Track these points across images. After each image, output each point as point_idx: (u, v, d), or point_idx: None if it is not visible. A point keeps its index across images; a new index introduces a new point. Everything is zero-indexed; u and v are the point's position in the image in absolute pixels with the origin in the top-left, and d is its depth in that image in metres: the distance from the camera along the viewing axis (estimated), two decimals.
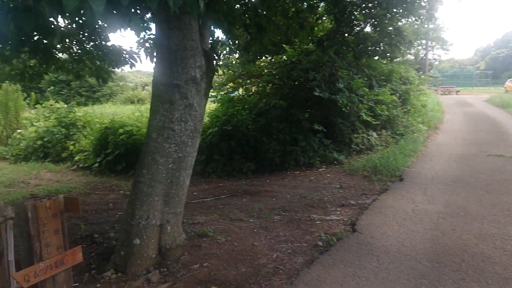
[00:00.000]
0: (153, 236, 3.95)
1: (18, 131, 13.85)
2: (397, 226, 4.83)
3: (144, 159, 3.97)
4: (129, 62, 8.26)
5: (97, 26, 7.51)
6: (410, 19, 10.58)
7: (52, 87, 39.92)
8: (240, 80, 12.03)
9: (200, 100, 4.02)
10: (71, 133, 12.51)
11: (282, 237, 4.70)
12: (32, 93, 17.05)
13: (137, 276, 3.77)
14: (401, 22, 10.53)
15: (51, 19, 2.48)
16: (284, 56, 10.76)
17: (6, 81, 13.84)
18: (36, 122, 13.75)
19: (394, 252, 4.08)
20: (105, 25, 7.29)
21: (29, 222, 2.53)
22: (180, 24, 3.78)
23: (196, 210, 6.19)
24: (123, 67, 8.91)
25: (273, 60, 11.62)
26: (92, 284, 3.74)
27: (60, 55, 8.42)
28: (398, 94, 12.48)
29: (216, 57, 7.95)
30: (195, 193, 7.76)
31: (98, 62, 8.45)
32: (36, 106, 15.07)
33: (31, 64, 8.46)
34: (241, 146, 9.32)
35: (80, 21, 7.52)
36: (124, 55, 8.20)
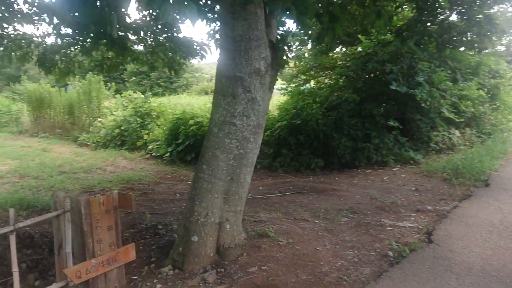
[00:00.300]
0: (212, 234, 3.83)
1: (99, 119, 14.68)
2: (482, 240, 4.28)
3: (205, 154, 3.84)
4: (200, 54, 8.28)
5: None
6: (504, 6, 9.52)
7: (133, 78, 42.12)
8: (312, 72, 11.64)
9: (263, 94, 3.80)
10: (146, 122, 12.97)
11: (348, 242, 4.37)
12: (113, 83, 18.02)
13: (194, 275, 3.67)
14: (493, 9, 9.48)
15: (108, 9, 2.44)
16: (359, 47, 10.20)
17: (89, 72, 14.73)
18: (115, 111, 14.47)
19: (477, 270, 3.58)
20: (176, 16, 7.36)
21: (82, 217, 2.49)
22: (245, 13, 3.56)
23: (260, 206, 6.02)
24: (198, 59, 8.97)
25: (347, 51, 11.09)
26: (150, 279, 3.70)
27: (135, 47, 8.68)
28: (486, 89, 11.31)
29: (286, 48, 7.68)
30: (260, 187, 7.62)
31: (170, 54, 8.58)
32: (116, 96, 15.87)
33: (109, 56, 8.80)
34: (310, 141, 9.00)
35: (154, 14, 7.64)
36: (195, 47, 8.23)
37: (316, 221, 5.19)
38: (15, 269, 2.58)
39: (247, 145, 3.80)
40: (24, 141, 15.62)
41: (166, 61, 8.95)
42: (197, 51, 8.29)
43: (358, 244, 4.29)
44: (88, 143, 14.07)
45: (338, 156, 8.68)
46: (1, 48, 7.28)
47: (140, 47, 8.86)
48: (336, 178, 7.96)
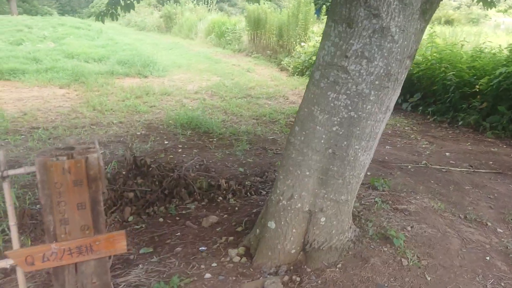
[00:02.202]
0: (296, 225, 2.67)
1: (302, 44, 13.99)
2: None
3: (300, 110, 2.58)
4: None
5: None
6: None
7: None
8: None
9: (405, 23, 2.18)
10: None
11: None
12: (324, 6, 16.84)
13: (259, 273, 2.67)
14: None
15: None
16: None
17: None
18: (318, 36, 13.48)
19: None
20: None
21: (39, 185, 1.75)
22: None
23: (425, 184, 4.37)
24: None
25: None
26: (212, 258, 2.89)
27: None
28: None
29: None
30: (447, 153, 5.69)
31: None
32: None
33: None
34: None
35: None
36: None
37: (499, 230, 3.35)
38: (12, 222, 2.05)
39: (363, 106, 2.35)
40: (237, 59, 16.45)
41: None
42: None
43: None
44: (288, 68, 13.71)
45: None
46: None
47: None
48: None
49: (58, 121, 7.04)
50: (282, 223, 2.67)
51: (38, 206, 4.08)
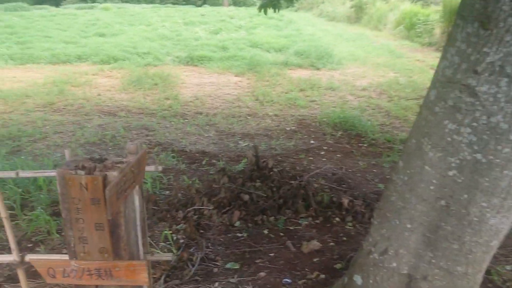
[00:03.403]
0: (389, 286, 2.01)
1: None
2: None
3: (407, 141, 1.89)
4: None
5: None
6: None
7: None
8: None
9: None
10: None
11: None
12: None
13: None
14: None
15: None
16: None
17: None
18: None
19: None
20: None
21: (59, 197, 1.62)
22: None
23: None
24: None
25: None
26: None
27: None
28: None
29: None
30: None
31: None
32: None
33: None
34: None
35: None
36: None
37: None
38: (3, 214, 1.92)
39: (497, 148, 1.54)
40: (424, 54, 14.81)
41: None
42: None
43: None
44: None
45: None
46: None
47: None
48: None
49: (221, 108, 7.37)
50: (371, 281, 2.04)
51: (167, 192, 4.27)
